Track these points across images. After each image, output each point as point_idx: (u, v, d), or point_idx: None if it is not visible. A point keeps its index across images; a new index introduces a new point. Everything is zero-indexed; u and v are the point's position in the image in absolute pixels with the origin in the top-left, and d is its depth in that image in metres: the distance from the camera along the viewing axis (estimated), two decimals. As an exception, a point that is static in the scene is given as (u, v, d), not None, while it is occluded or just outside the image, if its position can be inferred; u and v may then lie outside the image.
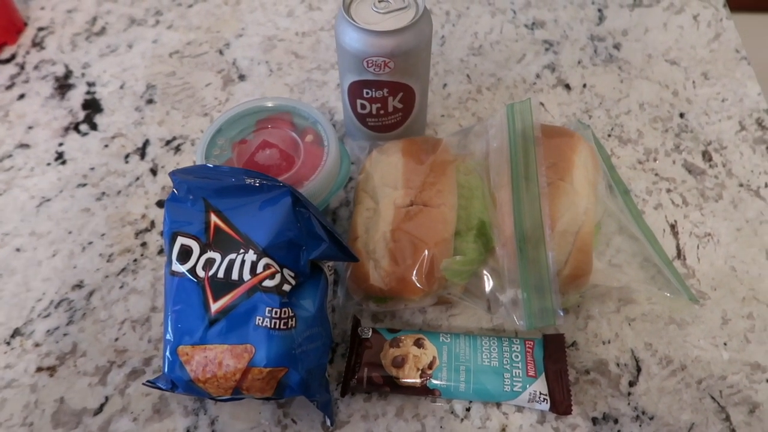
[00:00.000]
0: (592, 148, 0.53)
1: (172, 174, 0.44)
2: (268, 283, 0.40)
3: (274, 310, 0.40)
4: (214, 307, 0.41)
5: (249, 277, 0.41)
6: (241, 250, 0.41)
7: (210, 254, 0.42)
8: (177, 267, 0.42)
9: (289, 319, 0.40)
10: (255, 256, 0.41)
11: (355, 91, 0.52)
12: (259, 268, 0.40)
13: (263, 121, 0.51)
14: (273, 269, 0.41)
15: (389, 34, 0.47)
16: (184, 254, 0.42)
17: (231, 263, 0.41)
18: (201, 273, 0.41)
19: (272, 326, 0.40)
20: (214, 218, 0.42)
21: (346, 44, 0.49)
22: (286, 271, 0.41)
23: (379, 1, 0.49)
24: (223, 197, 0.43)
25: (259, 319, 0.40)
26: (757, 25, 1.64)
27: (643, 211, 0.56)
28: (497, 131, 0.51)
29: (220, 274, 0.41)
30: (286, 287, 0.41)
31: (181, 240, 0.42)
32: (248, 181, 0.43)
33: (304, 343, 0.41)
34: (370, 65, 0.49)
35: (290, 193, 0.42)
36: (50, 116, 0.64)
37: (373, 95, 0.52)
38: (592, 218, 0.48)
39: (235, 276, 0.41)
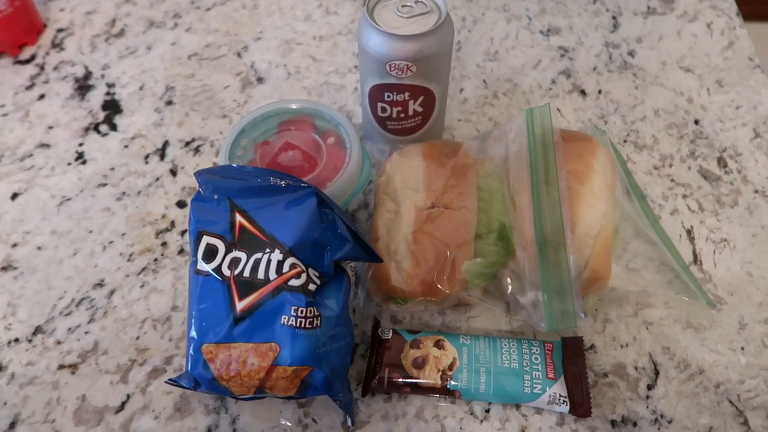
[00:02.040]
0: (610, 153, 0.53)
1: (198, 174, 0.45)
2: (294, 282, 0.41)
3: (300, 309, 0.40)
4: (240, 305, 0.41)
5: (275, 276, 0.41)
6: (267, 250, 0.42)
7: (235, 253, 0.42)
8: (202, 266, 0.43)
9: (315, 319, 0.41)
10: (281, 255, 0.41)
11: (376, 94, 0.53)
12: (285, 268, 0.41)
13: (286, 123, 0.52)
14: (299, 269, 0.41)
15: (413, 38, 0.48)
16: (210, 253, 0.43)
17: (257, 262, 0.41)
18: (227, 272, 0.42)
19: (297, 325, 0.40)
20: (239, 218, 0.43)
21: (369, 48, 0.49)
22: (311, 271, 0.42)
23: (403, 6, 0.50)
24: (249, 197, 0.43)
25: (285, 318, 0.40)
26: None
27: (659, 216, 0.57)
28: (516, 135, 0.52)
29: (246, 273, 0.41)
30: (312, 287, 0.41)
31: (206, 239, 0.43)
32: (273, 181, 0.43)
33: (328, 342, 0.41)
34: (392, 69, 0.50)
35: (315, 193, 0.42)
36: (70, 116, 0.65)
37: (394, 98, 0.53)
38: (610, 222, 0.49)
39: (260, 275, 0.41)
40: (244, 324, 0.41)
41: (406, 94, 0.52)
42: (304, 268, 0.41)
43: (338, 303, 0.43)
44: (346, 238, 0.42)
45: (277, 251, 0.41)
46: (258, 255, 0.42)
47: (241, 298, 0.41)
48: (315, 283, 0.42)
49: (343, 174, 0.48)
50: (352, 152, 0.49)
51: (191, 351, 0.42)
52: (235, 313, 0.41)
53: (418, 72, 0.50)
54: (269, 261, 0.41)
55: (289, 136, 0.51)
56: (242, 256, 0.42)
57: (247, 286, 0.41)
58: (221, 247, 0.43)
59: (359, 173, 0.50)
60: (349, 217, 0.56)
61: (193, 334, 0.42)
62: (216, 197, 0.44)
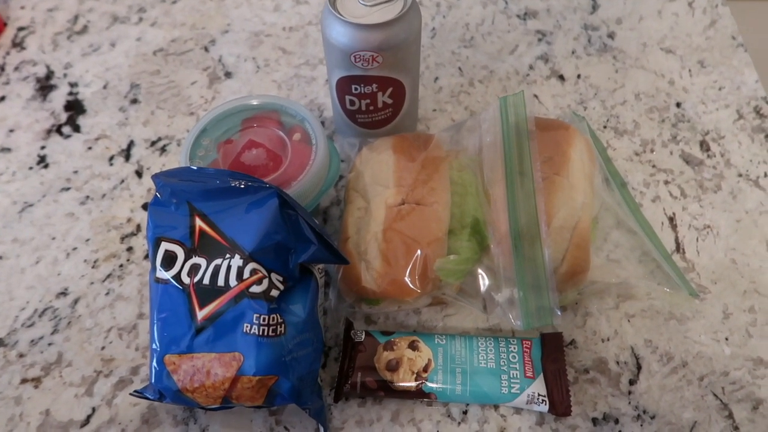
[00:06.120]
0: (588, 141, 0.51)
1: (155, 177, 0.43)
2: (255, 288, 0.39)
3: (262, 316, 0.39)
4: (201, 314, 0.39)
5: (236, 282, 0.39)
6: (227, 255, 0.40)
7: (195, 260, 0.40)
8: (161, 273, 0.41)
9: (278, 326, 0.39)
10: (241, 261, 0.39)
11: (344, 87, 0.51)
12: (246, 274, 0.39)
13: (249, 120, 0.50)
14: (260, 274, 0.39)
15: (377, 27, 0.46)
16: (169, 260, 0.41)
17: (217, 269, 0.40)
18: (186, 279, 0.40)
19: (261, 333, 0.38)
20: (199, 222, 0.41)
21: (332, 39, 0.47)
22: (274, 276, 0.40)
23: (366, -6, 0.48)
24: (208, 200, 0.41)
25: (247, 326, 0.39)
26: (752, 12, 1.63)
27: (640, 204, 0.55)
28: (490, 125, 0.50)
29: (206, 281, 0.40)
30: (275, 293, 0.39)
31: (165, 245, 0.41)
32: (233, 183, 0.41)
33: (295, 349, 0.40)
34: (357, 60, 0.48)
35: (277, 194, 0.41)
36: (32, 119, 0.62)
37: (362, 91, 0.51)
38: (589, 213, 0.47)
39: (221, 282, 0.39)
40: (206, 333, 0.39)
41: (374, 86, 0.50)
42: (265, 274, 0.39)
43: (305, 308, 0.41)
44: (310, 240, 0.41)
45: (237, 257, 0.40)
46: (218, 261, 0.40)
47: (201, 307, 0.40)
48: (278, 288, 0.40)
49: (309, 171, 0.46)
50: (318, 148, 0.47)
51: (154, 363, 0.41)
52: (197, 323, 0.39)
53: (384, 63, 0.48)
54: (229, 267, 0.39)
55: (252, 134, 0.49)
56: (202, 262, 0.40)
57: (207, 293, 0.40)
58: (180, 254, 0.41)
59: (326, 170, 0.48)
60: (321, 215, 0.55)
61: (156, 344, 0.41)
62: (174, 201, 0.42)
